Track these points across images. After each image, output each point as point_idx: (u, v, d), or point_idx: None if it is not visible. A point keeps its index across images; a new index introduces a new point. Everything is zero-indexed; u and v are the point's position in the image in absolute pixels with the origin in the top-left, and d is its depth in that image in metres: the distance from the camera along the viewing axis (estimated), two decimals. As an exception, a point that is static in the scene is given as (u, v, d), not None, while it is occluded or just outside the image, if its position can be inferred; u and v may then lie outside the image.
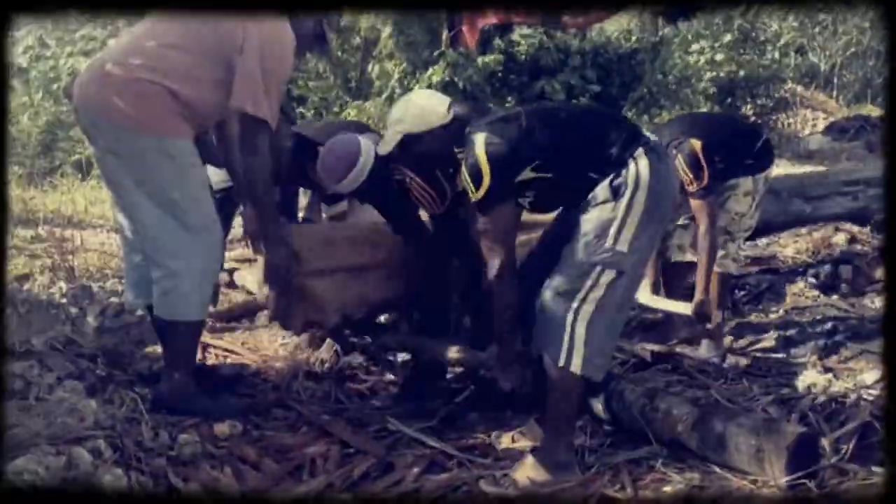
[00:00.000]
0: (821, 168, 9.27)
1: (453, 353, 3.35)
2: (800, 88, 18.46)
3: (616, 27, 18.38)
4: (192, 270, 3.21)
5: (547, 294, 2.87)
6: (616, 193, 2.79)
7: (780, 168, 9.91)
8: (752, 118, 14.25)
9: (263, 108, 3.14)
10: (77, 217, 7.96)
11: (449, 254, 3.55)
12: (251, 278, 4.07)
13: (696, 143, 4.15)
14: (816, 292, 5.02)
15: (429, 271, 3.59)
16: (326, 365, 4.02)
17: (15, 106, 13.96)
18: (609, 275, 2.80)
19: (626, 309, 3.07)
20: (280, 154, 3.62)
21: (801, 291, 5.03)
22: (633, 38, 17.54)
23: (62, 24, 19.81)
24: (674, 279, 4.51)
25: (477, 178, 2.84)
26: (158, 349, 3.95)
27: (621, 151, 2.84)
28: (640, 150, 2.84)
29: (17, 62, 17.82)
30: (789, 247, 6.10)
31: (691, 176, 4.11)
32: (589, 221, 2.82)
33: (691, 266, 4.43)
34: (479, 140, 2.87)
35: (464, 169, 2.89)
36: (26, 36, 19.75)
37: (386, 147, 3.15)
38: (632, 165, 2.81)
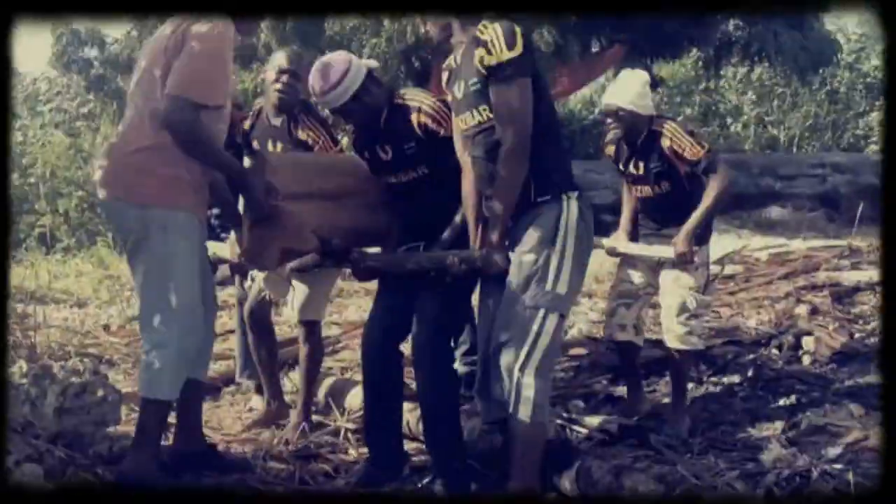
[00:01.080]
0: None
1: (433, 256, 3.25)
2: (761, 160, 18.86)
3: (579, 99, 18.79)
4: (167, 349, 3.20)
5: (494, 340, 2.95)
6: (548, 238, 2.92)
7: (744, 240, 10.12)
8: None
9: (192, 88, 3.10)
10: (40, 292, 7.87)
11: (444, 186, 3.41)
12: (223, 247, 4.06)
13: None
14: (780, 364, 5.05)
15: (414, 207, 3.51)
16: (290, 445, 3.97)
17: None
18: (553, 319, 2.92)
19: (559, 351, 3.14)
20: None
21: (764, 363, 5.06)
22: (596, 110, 17.83)
23: (32, 97, 19.92)
24: (623, 358, 4.52)
25: (511, 38, 2.87)
26: (120, 429, 3.89)
27: (560, 183, 3.00)
28: (574, 194, 2.99)
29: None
30: (752, 318, 6.17)
31: (690, 140, 4.05)
32: (524, 266, 2.93)
33: (636, 347, 4.40)
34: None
35: (496, 27, 2.89)
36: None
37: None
38: (564, 206, 2.96)
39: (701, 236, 4.20)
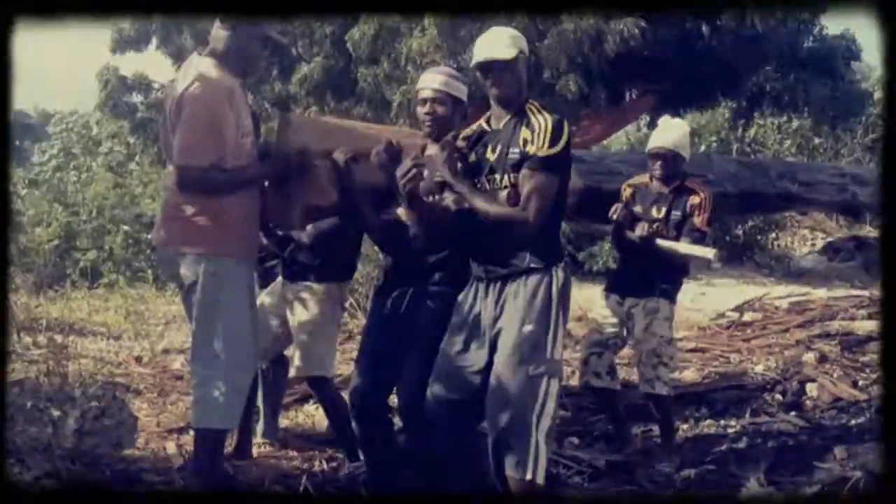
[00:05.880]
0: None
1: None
2: (799, 208, 18.75)
3: (617, 144, 18.97)
4: (217, 380, 3.41)
5: (505, 412, 3.02)
6: (545, 308, 3.06)
7: (767, 287, 10.18)
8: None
9: (192, 155, 3.31)
10: (79, 324, 8.23)
11: None
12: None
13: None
14: (775, 408, 5.17)
15: None
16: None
17: (32, 215, 14.46)
18: (555, 384, 3.07)
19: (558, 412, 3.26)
20: None
21: (761, 408, 5.18)
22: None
23: (87, 137, 20.64)
24: (604, 403, 4.70)
25: (559, 132, 3.04)
26: (136, 452, 4.15)
27: (552, 253, 3.15)
28: (561, 264, 3.16)
29: (40, 172, 18.51)
30: (760, 364, 6.28)
31: (710, 213, 4.32)
32: (529, 337, 3.05)
33: (613, 392, 4.54)
34: None
35: (546, 118, 3.06)
36: (53, 147, 20.54)
37: (509, 52, 3.11)
38: (554, 276, 3.10)
39: (670, 294, 4.45)
